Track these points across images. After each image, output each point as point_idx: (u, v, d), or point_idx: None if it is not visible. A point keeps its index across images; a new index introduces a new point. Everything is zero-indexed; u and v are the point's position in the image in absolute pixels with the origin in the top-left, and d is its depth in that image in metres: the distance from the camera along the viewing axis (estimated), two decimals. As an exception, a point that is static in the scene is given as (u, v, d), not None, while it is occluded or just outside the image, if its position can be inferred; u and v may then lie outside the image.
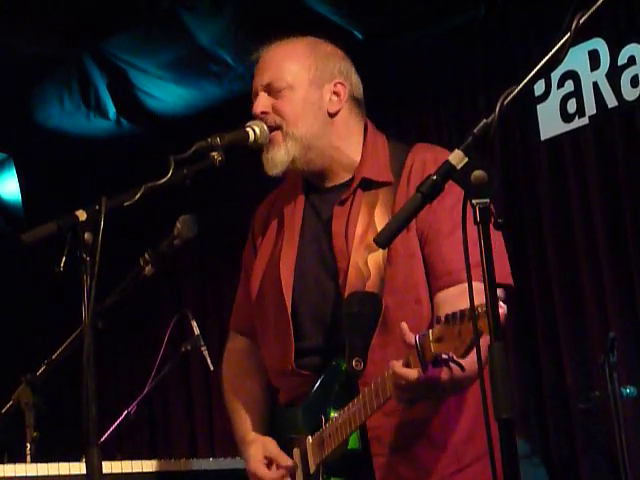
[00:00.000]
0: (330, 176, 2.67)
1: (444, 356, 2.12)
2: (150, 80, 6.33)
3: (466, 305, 1.93)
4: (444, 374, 2.22)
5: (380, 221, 2.53)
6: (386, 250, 2.47)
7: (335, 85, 2.66)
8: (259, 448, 2.65)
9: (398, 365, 2.23)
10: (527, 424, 5.36)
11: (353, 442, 2.48)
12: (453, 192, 1.88)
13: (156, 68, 6.22)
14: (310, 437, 2.57)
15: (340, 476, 2.54)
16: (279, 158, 2.61)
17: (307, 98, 2.63)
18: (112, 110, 6.56)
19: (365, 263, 2.51)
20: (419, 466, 2.49)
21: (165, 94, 6.49)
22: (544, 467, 4.95)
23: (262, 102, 2.63)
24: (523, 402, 5.36)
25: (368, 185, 2.61)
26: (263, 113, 2.63)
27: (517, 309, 5.42)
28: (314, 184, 2.71)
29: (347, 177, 2.66)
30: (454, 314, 2.05)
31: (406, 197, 2.52)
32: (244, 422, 2.75)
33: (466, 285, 1.81)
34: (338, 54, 2.72)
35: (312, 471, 2.56)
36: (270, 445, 2.64)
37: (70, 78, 6.29)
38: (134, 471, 3.73)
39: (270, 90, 2.63)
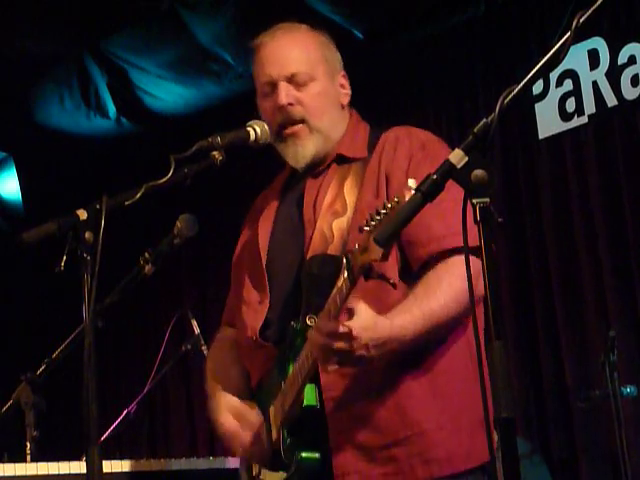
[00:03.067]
0: (318, 162, 2.66)
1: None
2: (150, 79, 6.33)
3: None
4: (355, 322, 2.19)
5: (349, 192, 2.53)
6: (351, 215, 2.47)
7: (342, 77, 2.67)
8: (222, 401, 2.64)
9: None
10: (527, 423, 5.36)
11: (310, 399, 2.41)
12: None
13: (156, 67, 6.22)
14: (272, 405, 2.53)
15: (298, 436, 2.46)
16: (308, 152, 2.60)
17: (327, 90, 2.62)
18: (112, 109, 6.56)
19: (330, 228, 2.50)
20: (371, 427, 2.42)
21: (165, 93, 6.49)
22: (546, 465, 4.94)
23: (289, 93, 2.58)
24: (523, 401, 5.36)
25: (343, 161, 2.62)
26: (290, 105, 2.58)
27: (517, 309, 5.43)
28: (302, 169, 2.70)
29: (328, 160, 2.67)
30: (371, 216, 1.99)
31: (377, 169, 2.52)
32: (218, 398, 2.70)
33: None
34: (333, 44, 2.72)
35: (274, 437, 2.51)
36: (232, 400, 2.63)
37: (70, 77, 6.29)
38: (134, 470, 3.73)
39: (294, 81, 2.59)
